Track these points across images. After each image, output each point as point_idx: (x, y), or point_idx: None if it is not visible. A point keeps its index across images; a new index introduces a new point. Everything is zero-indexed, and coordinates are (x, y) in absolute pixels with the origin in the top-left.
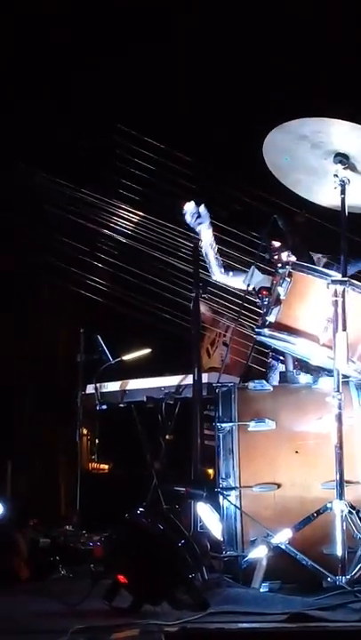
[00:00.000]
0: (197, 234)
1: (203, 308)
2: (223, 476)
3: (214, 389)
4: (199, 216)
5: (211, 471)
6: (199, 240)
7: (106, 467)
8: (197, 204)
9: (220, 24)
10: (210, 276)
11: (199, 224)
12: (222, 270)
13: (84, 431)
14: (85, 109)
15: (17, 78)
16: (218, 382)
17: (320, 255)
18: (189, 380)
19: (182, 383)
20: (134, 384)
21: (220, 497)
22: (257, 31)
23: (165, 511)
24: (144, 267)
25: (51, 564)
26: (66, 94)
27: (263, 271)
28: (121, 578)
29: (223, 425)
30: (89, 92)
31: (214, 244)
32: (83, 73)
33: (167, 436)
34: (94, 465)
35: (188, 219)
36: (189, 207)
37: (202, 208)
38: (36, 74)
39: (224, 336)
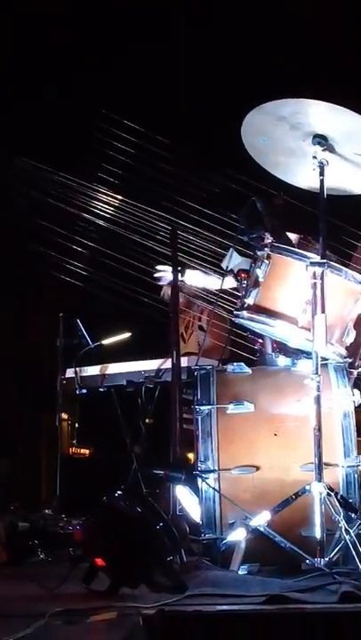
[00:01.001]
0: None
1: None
2: (202, 459)
3: (193, 373)
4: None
5: (191, 455)
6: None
7: (86, 451)
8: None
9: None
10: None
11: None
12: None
13: (65, 416)
14: (64, 92)
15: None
16: (196, 365)
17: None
18: (169, 363)
19: (162, 367)
20: (114, 368)
21: (199, 480)
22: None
23: (144, 494)
24: (123, 250)
25: (29, 547)
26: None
27: (241, 253)
28: (99, 561)
29: (202, 408)
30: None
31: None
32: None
33: (147, 420)
34: (75, 449)
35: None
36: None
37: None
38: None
39: (199, 320)
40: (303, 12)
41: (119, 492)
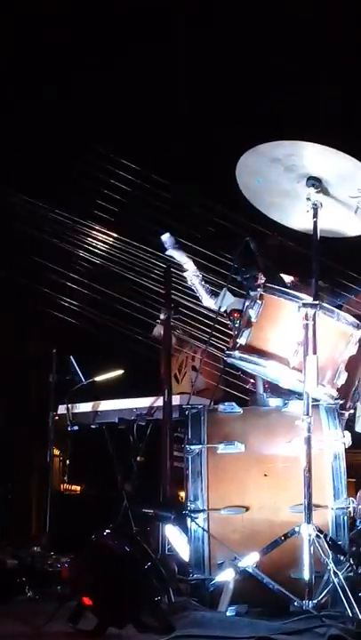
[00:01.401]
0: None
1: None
2: (191, 499)
3: (185, 411)
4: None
5: (183, 493)
6: (183, 270)
7: (78, 488)
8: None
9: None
10: (200, 301)
11: (165, 250)
12: (211, 296)
13: (57, 452)
14: (61, 127)
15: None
16: (188, 404)
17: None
18: (161, 401)
19: (154, 405)
20: (106, 405)
21: (188, 519)
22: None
23: (132, 533)
24: (117, 288)
25: (17, 585)
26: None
27: (235, 293)
28: (86, 600)
29: (192, 447)
30: (63, 110)
31: (198, 272)
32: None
33: (138, 458)
34: (66, 486)
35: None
36: (163, 237)
37: (165, 236)
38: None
39: (193, 359)
40: (297, 55)
41: (108, 531)
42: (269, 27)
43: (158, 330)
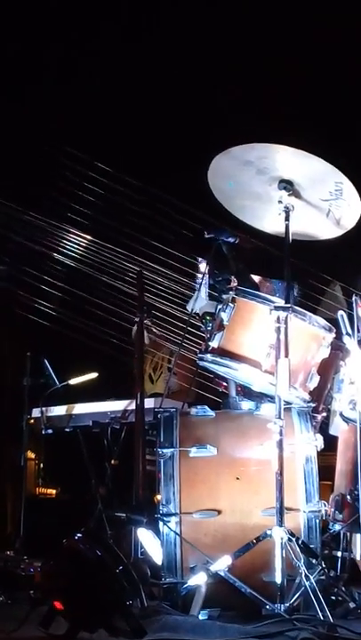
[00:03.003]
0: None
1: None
2: (164, 502)
3: (157, 415)
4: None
5: (158, 497)
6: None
7: (53, 491)
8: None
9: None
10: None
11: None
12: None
13: (31, 455)
14: (32, 128)
15: None
16: (160, 407)
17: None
18: (135, 405)
19: (128, 408)
20: (80, 408)
21: (160, 523)
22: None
23: (104, 536)
24: (91, 290)
25: None
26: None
27: (209, 297)
28: (57, 604)
29: (164, 450)
30: (35, 109)
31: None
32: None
33: (112, 461)
34: (41, 489)
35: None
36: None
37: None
38: None
39: (168, 362)
40: (273, 55)
41: (79, 535)
42: (239, 67)
43: (134, 332)
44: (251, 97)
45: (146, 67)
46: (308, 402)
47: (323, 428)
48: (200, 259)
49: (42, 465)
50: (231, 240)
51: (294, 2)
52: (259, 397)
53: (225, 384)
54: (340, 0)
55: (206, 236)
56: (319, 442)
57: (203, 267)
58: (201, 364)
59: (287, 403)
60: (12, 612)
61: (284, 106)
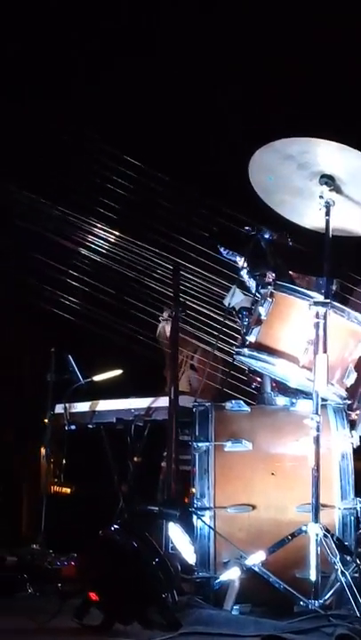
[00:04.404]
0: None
1: (167, 331)
2: (198, 496)
3: (190, 410)
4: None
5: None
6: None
7: (68, 490)
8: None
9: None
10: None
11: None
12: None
13: (50, 451)
14: (66, 124)
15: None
16: (195, 402)
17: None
18: (159, 402)
19: (152, 405)
20: (104, 405)
21: (194, 517)
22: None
23: (140, 528)
24: (118, 286)
25: (17, 581)
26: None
27: (244, 291)
28: (92, 595)
29: (199, 444)
30: (70, 107)
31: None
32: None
33: (135, 458)
34: (56, 488)
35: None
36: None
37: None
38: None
39: (191, 359)
40: (315, 51)
41: (115, 526)
42: (281, 64)
43: (162, 328)
44: (293, 88)
45: (184, 55)
46: (345, 399)
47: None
48: (236, 254)
49: (61, 462)
50: (268, 236)
51: (294, 2)
52: (293, 393)
53: (259, 379)
54: (341, 0)
55: (245, 231)
56: (355, 439)
57: (240, 261)
58: (237, 358)
59: (323, 399)
60: (42, 604)
61: (284, 106)
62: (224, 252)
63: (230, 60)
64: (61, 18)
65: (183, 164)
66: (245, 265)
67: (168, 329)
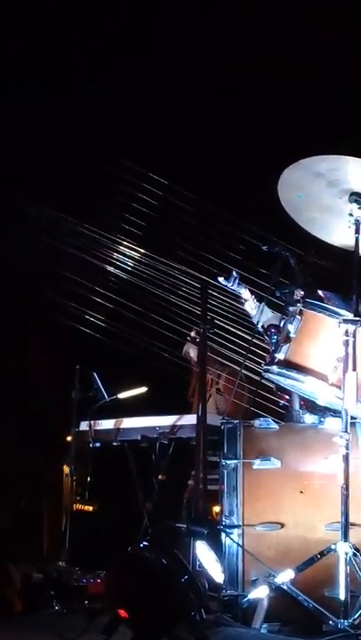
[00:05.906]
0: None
1: (192, 353)
2: (226, 514)
3: (218, 429)
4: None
5: (217, 509)
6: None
7: (90, 508)
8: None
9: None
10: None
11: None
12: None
13: (65, 470)
14: (89, 140)
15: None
16: (223, 419)
17: None
18: (184, 420)
19: (177, 423)
20: (129, 422)
21: (223, 535)
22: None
23: (169, 546)
24: (143, 304)
25: (44, 598)
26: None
27: (273, 309)
28: (122, 612)
29: (228, 462)
30: (92, 122)
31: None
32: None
33: (160, 476)
34: (78, 506)
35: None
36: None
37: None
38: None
39: (217, 383)
40: (315, 51)
41: (145, 543)
42: (309, 81)
43: (187, 348)
44: (322, 106)
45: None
46: None
47: None
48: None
49: (88, 479)
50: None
51: (294, 2)
52: (321, 411)
53: (287, 397)
54: (341, 0)
55: (273, 250)
56: None
57: (244, 293)
58: (266, 376)
59: (352, 417)
60: (69, 621)
61: (284, 106)
62: (226, 283)
63: (230, 60)
64: (61, 18)
65: (182, 165)
66: (252, 297)
67: (192, 351)
